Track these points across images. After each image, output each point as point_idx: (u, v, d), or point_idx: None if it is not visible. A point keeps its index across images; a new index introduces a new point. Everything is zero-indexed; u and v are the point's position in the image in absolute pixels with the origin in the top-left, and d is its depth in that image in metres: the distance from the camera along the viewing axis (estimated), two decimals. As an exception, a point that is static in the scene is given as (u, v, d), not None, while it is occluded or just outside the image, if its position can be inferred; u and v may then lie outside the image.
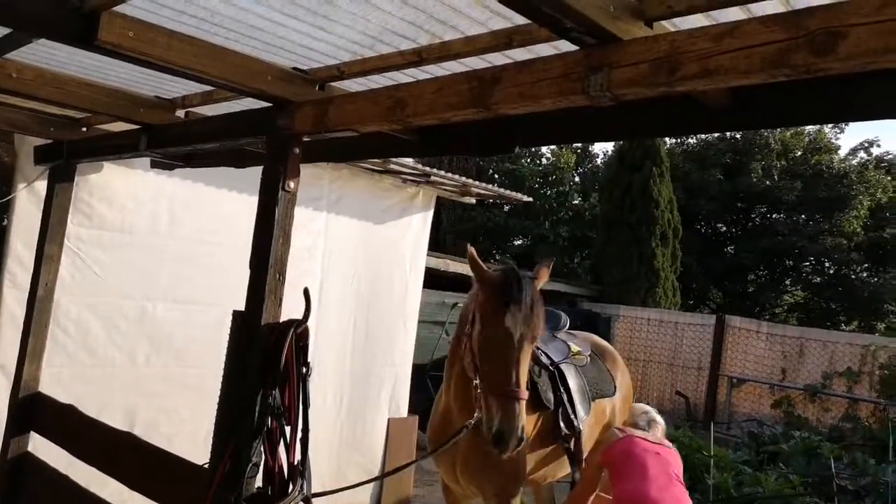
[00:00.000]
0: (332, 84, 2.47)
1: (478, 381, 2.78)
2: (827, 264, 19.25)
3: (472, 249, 2.92)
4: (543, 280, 3.09)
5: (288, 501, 2.01)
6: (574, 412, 3.52)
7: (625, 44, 1.55)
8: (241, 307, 2.33)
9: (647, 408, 3.50)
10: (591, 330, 7.10)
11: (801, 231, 18.52)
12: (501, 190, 7.08)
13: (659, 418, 3.36)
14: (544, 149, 21.16)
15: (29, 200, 3.84)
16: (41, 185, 3.78)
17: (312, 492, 2.12)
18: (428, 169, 5.59)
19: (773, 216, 19.65)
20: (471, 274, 3.02)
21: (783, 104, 1.71)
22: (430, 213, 6.29)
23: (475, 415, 2.83)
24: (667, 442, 3.24)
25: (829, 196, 18.31)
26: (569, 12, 1.45)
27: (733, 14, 1.60)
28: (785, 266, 19.91)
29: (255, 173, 2.94)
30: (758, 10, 1.58)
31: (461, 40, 2.01)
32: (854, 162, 20.03)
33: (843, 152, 21.27)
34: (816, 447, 7.61)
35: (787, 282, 20.38)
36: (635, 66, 1.50)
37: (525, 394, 2.69)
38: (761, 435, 9.05)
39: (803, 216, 19.14)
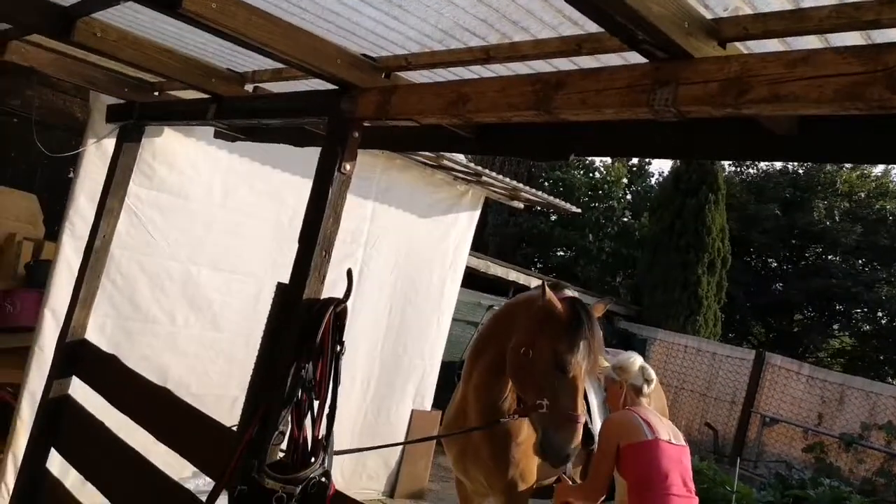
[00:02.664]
0: (399, 73, 2.51)
1: (530, 400, 2.98)
2: (880, 314, 18.50)
3: (548, 289, 3.04)
4: (598, 315, 3.24)
5: (308, 473, 2.05)
6: (592, 424, 3.67)
7: (696, 61, 1.53)
8: (279, 280, 2.39)
9: (638, 360, 3.28)
10: (625, 349, 6.99)
11: (856, 276, 17.82)
12: (551, 198, 7.03)
13: (651, 372, 3.24)
14: (598, 162, 20.91)
15: (97, 156, 4.01)
16: (109, 143, 3.93)
17: (335, 456, 2.16)
18: (480, 168, 5.60)
19: (829, 257, 18.98)
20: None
21: (853, 138, 1.67)
22: (477, 213, 6.31)
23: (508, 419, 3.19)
24: (679, 433, 3.16)
25: (892, 244, 17.59)
26: (643, 24, 1.45)
27: (810, 42, 1.57)
28: (835, 310, 19.20)
29: (306, 154, 3.01)
30: (836, 40, 1.55)
31: (530, 42, 2.02)
32: (922, 212, 19.23)
33: (910, 200, 20.39)
34: (845, 498, 7.36)
35: (836, 326, 19.66)
36: (704, 85, 1.49)
37: (583, 418, 2.98)
38: (789, 478, 8.80)
39: (861, 261, 18.43)
